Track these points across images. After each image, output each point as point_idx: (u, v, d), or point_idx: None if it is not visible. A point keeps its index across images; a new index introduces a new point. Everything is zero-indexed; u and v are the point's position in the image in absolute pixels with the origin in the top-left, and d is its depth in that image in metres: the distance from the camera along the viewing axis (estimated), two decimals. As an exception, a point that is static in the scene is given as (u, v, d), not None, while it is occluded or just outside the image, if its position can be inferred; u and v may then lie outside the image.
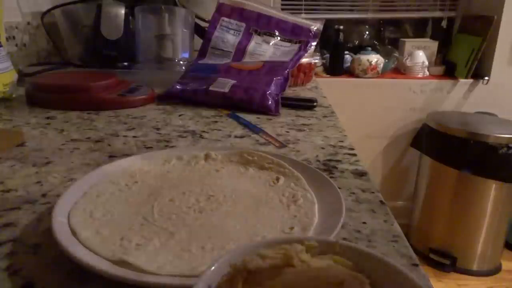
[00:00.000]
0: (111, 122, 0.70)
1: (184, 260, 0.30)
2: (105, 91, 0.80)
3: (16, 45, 1.08)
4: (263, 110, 0.77)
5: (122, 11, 1.06)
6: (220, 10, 0.97)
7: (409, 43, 2.03)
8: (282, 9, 1.88)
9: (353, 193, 0.44)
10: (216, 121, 0.72)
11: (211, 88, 0.80)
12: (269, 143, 0.60)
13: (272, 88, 0.79)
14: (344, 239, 0.35)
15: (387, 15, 2.16)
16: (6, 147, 0.56)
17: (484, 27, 1.87)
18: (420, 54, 1.98)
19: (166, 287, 0.28)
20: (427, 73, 2.01)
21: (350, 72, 2.03)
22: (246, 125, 0.69)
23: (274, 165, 0.47)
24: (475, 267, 1.86)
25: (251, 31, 0.97)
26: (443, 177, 1.83)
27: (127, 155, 0.54)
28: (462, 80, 1.97)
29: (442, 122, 1.79)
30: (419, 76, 2.00)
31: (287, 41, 0.97)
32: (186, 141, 0.61)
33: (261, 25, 0.97)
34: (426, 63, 1.99)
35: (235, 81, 0.81)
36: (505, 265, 1.93)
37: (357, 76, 1.98)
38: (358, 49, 2.03)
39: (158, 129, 0.67)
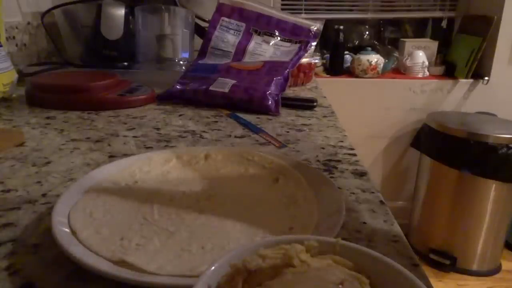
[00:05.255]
0: (111, 122, 0.70)
1: (184, 260, 0.30)
2: (105, 91, 0.80)
3: (16, 45, 1.08)
4: (263, 110, 0.77)
5: (122, 11, 1.06)
6: (220, 10, 0.97)
7: (409, 43, 2.03)
8: (282, 9, 1.89)
9: (353, 193, 0.44)
10: (216, 121, 0.72)
11: (211, 88, 0.80)
12: (269, 143, 0.60)
13: (272, 88, 0.79)
14: (344, 239, 0.35)
15: (387, 15, 2.16)
16: (6, 147, 0.56)
17: (484, 27, 1.87)
18: (420, 54, 1.98)
19: (166, 287, 0.28)
20: (427, 73, 2.01)
21: (350, 72, 2.03)
22: (246, 125, 0.69)
23: (274, 165, 0.47)
24: (475, 267, 1.86)
25: (251, 31, 0.97)
26: (443, 177, 1.83)
27: (127, 155, 0.54)
28: (462, 80, 1.97)
29: (442, 122, 1.79)
30: (419, 76, 2.00)
31: (287, 41, 0.97)
32: (186, 141, 0.61)
33: (261, 25, 0.97)
34: (426, 63, 1.99)
35: (235, 81, 0.81)
36: (505, 265, 1.93)
37: (357, 76, 1.98)
38: (358, 49, 2.03)
39: (158, 129, 0.67)
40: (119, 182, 0.43)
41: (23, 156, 0.54)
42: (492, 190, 1.73)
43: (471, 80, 1.96)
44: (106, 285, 0.28)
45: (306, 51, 0.94)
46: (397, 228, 0.37)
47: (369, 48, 1.97)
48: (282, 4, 2.07)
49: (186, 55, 1.08)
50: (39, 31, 1.18)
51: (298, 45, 0.95)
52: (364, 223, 0.38)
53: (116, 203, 0.39)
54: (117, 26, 1.06)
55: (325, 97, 0.92)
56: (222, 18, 0.97)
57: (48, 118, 0.72)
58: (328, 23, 1.58)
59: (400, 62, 2.06)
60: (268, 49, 0.95)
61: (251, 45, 0.95)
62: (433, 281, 1.80)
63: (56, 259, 0.32)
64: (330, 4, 2.11)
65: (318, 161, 0.53)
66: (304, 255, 0.22)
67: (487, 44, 1.86)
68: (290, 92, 0.95)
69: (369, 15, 2.14)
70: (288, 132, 0.66)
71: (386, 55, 2.05)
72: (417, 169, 2.03)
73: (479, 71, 1.95)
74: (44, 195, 0.43)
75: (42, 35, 1.19)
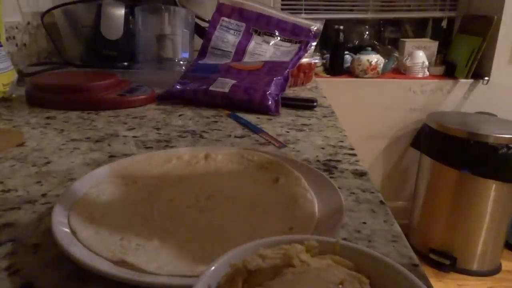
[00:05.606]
0: (111, 122, 0.70)
1: (184, 260, 0.30)
2: (105, 91, 0.80)
3: (16, 45, 1.08)
4: (263, 110, 0.77)
5: (122, 11, 1.07)
6: (220, 10, 0.97)
7: (409, 43, 2.03)
8: (282, 9, 1.89)
9: (353, 193, 0.44)
10: (216, 121, 0.72)
11: (211, 88, 0.80)
12: (269, 143, 0.60)
13: (272, 88, 0.79)
14: (344, 239, 0.35)
15: (387, 15, 2.16)
16: (6, 147, 0.56)
17: (484, 27, 1.87)
18: (420, 54, 1.98)
19: (166, 287, 0.28)
20: (427, 73, 2.01)
21: (350, 72, 2.03)
22: (246, 125, 0.69)
23: (274, 165, 0.47)
24: (475, 267, 1.86)
25: (251, 31, 0.97)
26: (443, 177, 1.83)
27: (127, 155, 0.54)
28: (462, 80, 1.97)
29: (442, 122, 1.79)
30: (419, 76, 2.00)
31: (287, 41, 0.97)
32: (186, 141, 0.61)
33: (261, 25, 0.97)
34: (426, 63, 1.99)
35: (235, 81, 0.81)
36: (505, 265, 1.93)
37: (357, 76, 1.98)
38: (358, 49, 2.03)
39: (158, 129, 0.67)
40: (119, 182, 0.43)
41: (23, 156, 0.54)
42: (492, 190, 1.73)
43: (471, 80, 1.96)
44: (106, 285, 0.28)
45: (306, 51, 0.94)
46: (397, 228, 0.37)
47: (369, 48, 1.97)
48: (282, 4, 2.08)
49: (186, 55, 1.08)
50: (39, 31, 1.18)
51: (298, 45, 0.95)
52: (364, 223, 0.38)
53: (116, 203, 0.39)
54: (117, 26, 1.06)
55: (325, 97, 0.92)
56: (222, 18, 0.97)
57: (48, 118, 0.72)
58: (328, 23, 1.57)
59: (400, 62, 2.06)
60: (268, 49, 0.95)
61: (251, 45, 0.95)
62: (433, 281, 1.80)
63: (56, 259, 0.32)
64: (330, 4, 2.11)
65: (318, 161, 0.53)
66: (304, 255, 0.22)
67: (487, 44, 1.86)
68: (290, 92, 0.95)
69: (369, 15, 2.14)
70: (288, 132, 0.66)
71: (386, 55, 2.06)
72: (417, 169, 2.03)
73: (479, 71, 1.95)
74: (44, 195, 0.43)
75: (42, 35, 1.19)
